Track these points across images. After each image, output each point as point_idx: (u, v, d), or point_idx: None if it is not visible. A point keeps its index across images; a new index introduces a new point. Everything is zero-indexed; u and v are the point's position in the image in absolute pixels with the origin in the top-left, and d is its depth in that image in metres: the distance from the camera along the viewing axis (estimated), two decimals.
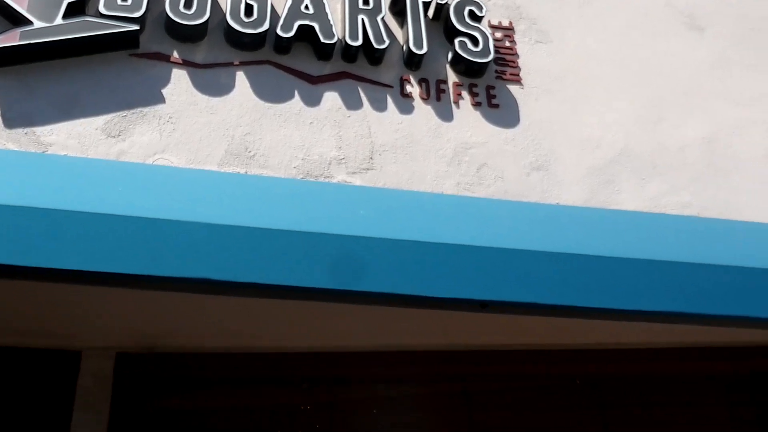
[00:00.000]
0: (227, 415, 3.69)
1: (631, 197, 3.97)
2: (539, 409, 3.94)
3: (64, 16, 3.33)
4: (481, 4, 4.02)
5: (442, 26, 4.01)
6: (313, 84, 3.74)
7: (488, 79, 4.02)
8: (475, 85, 3.98)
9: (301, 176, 3.52)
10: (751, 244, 3.60)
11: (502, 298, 2.67)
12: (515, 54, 4.16)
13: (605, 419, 3.99)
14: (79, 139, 3.30)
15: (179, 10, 3.53)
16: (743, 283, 2.96)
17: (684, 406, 4.01)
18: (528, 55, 4.19)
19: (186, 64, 3.58)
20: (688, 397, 4.06)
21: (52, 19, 3.31)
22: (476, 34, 3.95)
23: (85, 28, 3.36)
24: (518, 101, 4.04)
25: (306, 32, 3.69)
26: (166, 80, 3.54)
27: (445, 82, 3.95)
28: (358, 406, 3.82)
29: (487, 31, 4.01)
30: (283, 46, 3.70)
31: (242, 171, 3.45)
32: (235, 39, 3.64)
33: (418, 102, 3.86)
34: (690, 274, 2.91)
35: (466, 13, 3.98)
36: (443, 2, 3.99)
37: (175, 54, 3.58)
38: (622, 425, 3.99)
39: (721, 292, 2.92)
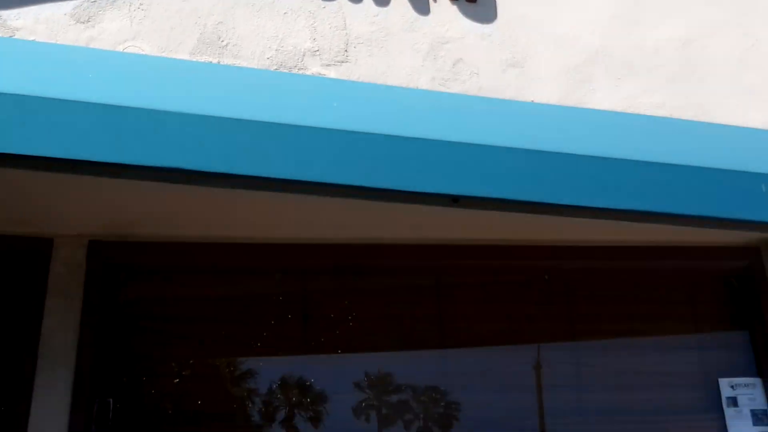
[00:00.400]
0: (199, 304, 3.74)
1: (606, 96, 3.97)
2: (509, 302, 4.03)
3: None
4: None
5: None
6: None
7: None
8: None
9: (275, 67, 3.48)
10: (722, 147, 3.64)
11: (474, 193, 2.69)
12: None
13: (570, 313, 4.08)
14: (48, 24, 3.22)
15: None
16: (712, 184, 3.00)
17: (648, 303, 4.11)
18: None
19: None
20: (653, 294, 4.14)
21: None
22: None
23: None
24: None
25: None
26: None
27: None
28: (329, 296, 3.89)
29: None
30: None
31: (214, 61, 3.40)
32: None
33: None
34: (660, 174, 2.93)
35: None
36: None
37: None
38: (587, 320, 4.09)
39: (690, 192, 2.96)
